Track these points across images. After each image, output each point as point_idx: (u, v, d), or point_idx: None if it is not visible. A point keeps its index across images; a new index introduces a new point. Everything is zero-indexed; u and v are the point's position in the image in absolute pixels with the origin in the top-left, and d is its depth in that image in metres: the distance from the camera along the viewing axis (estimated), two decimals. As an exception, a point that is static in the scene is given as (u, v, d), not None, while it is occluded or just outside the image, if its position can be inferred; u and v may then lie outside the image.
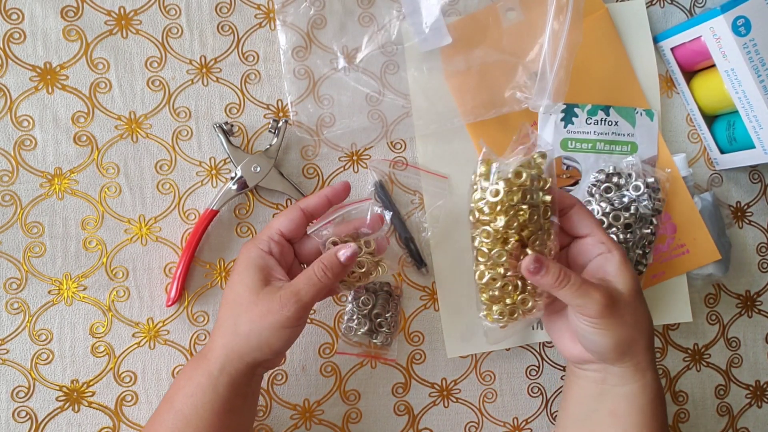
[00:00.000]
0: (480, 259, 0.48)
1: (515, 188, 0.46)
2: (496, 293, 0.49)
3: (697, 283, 0.67)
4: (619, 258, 0.48)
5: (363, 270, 0.51)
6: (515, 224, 0.47)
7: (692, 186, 0.65)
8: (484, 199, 0.47)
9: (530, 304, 0.49)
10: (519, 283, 0.49)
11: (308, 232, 0.52)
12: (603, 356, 0.48)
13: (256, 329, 0.47)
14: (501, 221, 0.46)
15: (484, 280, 0.48)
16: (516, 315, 0.49)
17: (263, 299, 0.47)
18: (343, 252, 0.49)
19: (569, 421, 0.53)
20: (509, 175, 0.46)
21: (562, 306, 0.50)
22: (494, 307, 0.49)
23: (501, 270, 0.48)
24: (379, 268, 0.52)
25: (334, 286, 0.51)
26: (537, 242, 0.47)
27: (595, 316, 0.46)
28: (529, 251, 0.47)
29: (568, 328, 0.51)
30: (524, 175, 0.46)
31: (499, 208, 0.46)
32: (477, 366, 0.64)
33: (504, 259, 0.47)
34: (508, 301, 0.49)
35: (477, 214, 0.48)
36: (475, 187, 0.48)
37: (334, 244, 0.51)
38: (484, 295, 0.49)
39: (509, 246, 0.47)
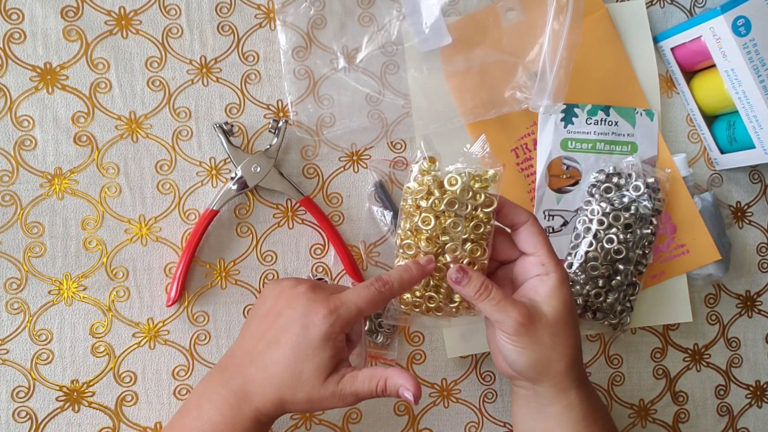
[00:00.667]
0: (400, 249, 0.50)
1: (445, 195, 0.48)
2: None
3: (697, 283, 0.67)
4: (554, 281, 0.49)
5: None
6: (433, 228, 0.49)
7: (692, 186, 0.65)
8: (414, 192, 0.49)
9: (435, 304, 0.51)
10: (431, 281, 0.51)
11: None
12: (521, 374, 0.50)
13: (310, 404, 0.47)
14: (419, 219, 0.49)
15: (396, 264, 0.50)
16: (420, 310, 0.51)
17: (329, 389, 0.46)
18: (409, 391, 0.47)
19: None
20: (443, 179, 0.49)
21: None
22: (404, 296, 0.51)
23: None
24: None
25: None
26: (456, 252, 0.49)
27: (510, 333, 0.47)
28: (447, 257, 0.49)
29: (495, 341, 0.51)
30: (458, 183, 0.48)
31: (424, 204, 0.49)
32: (477, 366, 0.64)
33: (411, 252, 0.49)
34: (417, 293, 0.51)
35: (407, 203, 0.50)
36: (412, 178, 0.50)
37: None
38: None
39: (428, 247, 0.49)
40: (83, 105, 0.61)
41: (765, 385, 0.69)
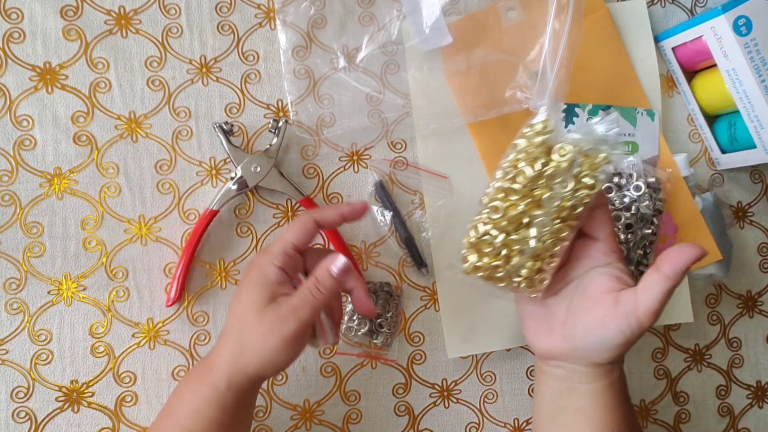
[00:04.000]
0: (492, 214, 0.47)
1: (549, 165, 0.44)
2: (484, 248, 0.48)
3: (698, 283, 0.66)
4: (626, 268, 0.48)
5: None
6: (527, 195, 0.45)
7: (693, 186, 0.65)
8: (520, 151, 0.45)
9: (502, 273, 0.48)
10: (506, 251, 0.47)
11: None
12: (593, 350, 0.48)
13: (259, 348, 0.47)
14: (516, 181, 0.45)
15: (480, 231, 0.47)
16: (483, 275, 0.48)
17: (267, 317, 0.47)
18: (335, 266, 0.48)
19: (540, 420, 0.53)
20: (555, 146, 0.44)
21: (550, 293, 0.50)
22: (470, 257, 0.48)
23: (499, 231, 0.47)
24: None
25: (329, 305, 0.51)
26: (545, 228, 0.45)
27: (644, 311, 0.45)
28: (533, 231, 0.46)
29: (546, 319, 0.50)
30: (566, 155, 0.44)
31: (525, 168, 0.45)
32: (477, 366, 0.64)
33: (497, 216, 0.46)
34: (486, 259, 0.48)
35: (507, 160, 0.46)
36: (521, 136, 0.46)
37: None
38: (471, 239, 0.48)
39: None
40: (83, 105, 0.60)
41: (766, 386, 0.68)
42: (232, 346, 0.48)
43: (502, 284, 0.49)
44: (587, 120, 0.64)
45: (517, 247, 0.47)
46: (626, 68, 0.65)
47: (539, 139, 0.45)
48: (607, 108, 0.64)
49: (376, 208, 0.63)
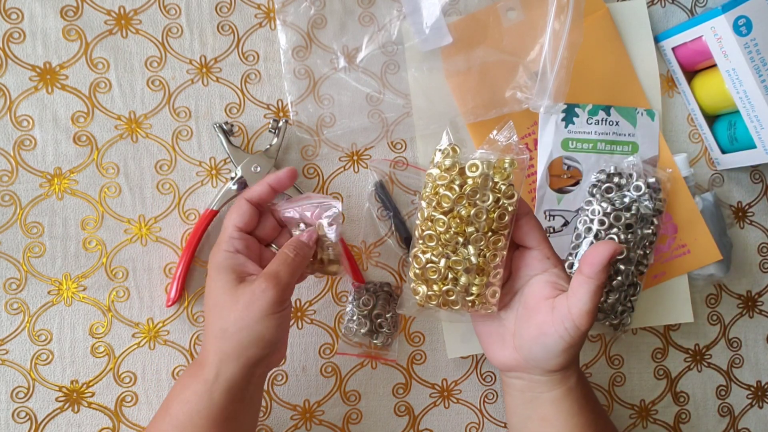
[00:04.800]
0: (428, 242, 0.49)
1: (467, 184, 0.47)
2: (429, 275, 0.50)
3: (698, 283, 0.66)
4: (562, 272, 0.50)
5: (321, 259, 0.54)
6: (453, 217, 0.48)
7: (693, 186, 0.65)
8: (436, 178, 0.48)
9: (453, 297, 0.49)
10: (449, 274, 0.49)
11: (272, 207, 0.54)
12: (542, 361, 0.49)
13: (243, 325, 0.47)
14: (438, 208, 0.48)
15: (423, 259, 0.49)
16: (436, 303, 0.50)
17: (242, 294, 0.47)
18: (306, 235, 0.52)
19: (511, 430, 0.54)
20: (465, 166, 0.48)
21: (501, 306, 0.51)
22: (420, 288, 0.50)
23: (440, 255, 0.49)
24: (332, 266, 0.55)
25: (304, 270, 0.53)
26: (480, 243, 0.48)
27: (576, 318, 0.46)
28: (470, 249, 0.48)
29: (498, 332, 0.52)
30: (478, 170, 0.47)
31: (445, 192, 0.48)
32: (478, 366, 0.64)
33: (433, 243, 0.48)
34: (435, 287, 0.50)
35: (427, 190, 0.49)
36: (434, 164, 0.49)
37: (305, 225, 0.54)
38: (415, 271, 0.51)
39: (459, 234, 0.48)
40: (83, 105, 0.60)
41: (766, 386, 0.68)
42: (216, 336, 0.48)
43: (457, 307, 0.50)
44: (587, 120, 0.64)
45: (460, 267, 0.49)
46: (626, 68, 0.65)
47: (449, 161, 0.48)
48: (607, 108, 0.64)
49: (376, 208, 0.63)
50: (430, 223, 0.49)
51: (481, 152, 0.48)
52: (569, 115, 0.64)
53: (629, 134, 0.64)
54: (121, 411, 0.60)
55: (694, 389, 0.67)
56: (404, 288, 0.52)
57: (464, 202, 0.48)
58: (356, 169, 0.64)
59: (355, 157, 0.64)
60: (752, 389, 0.68)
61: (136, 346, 0.60)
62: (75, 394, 0.60)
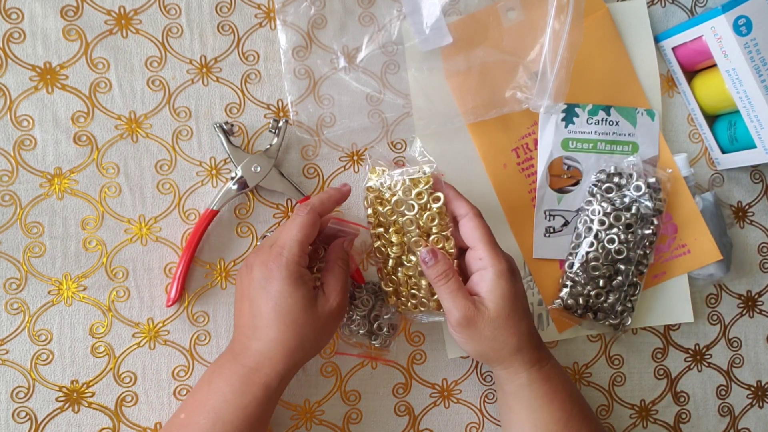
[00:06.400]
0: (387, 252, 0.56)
1: (392, 198, 0.53)
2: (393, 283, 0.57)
3: (698, 283, 0.66)
4: (492, 275, 0.51)
5: None
6: (391, 228, 0.54)
7: (693, 186, 0.65)
8: (369, 200, 0.55)
9: (418, 300, 0.56)
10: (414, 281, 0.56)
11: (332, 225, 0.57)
12: (474, 358, 0.56)
13: (319, 340, 0.51)
14: (376, 224, 0.55)
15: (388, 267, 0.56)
16: (407, 308, 0.57)
17: (322, 313, 0.51)
18: (346, 243, 0.56)
19: (502, 417, 0.59)
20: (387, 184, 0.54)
21: None
22: (391, 299, 0.58)
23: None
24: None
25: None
26: (420, 246, 0.53)
27: (452, 325, 0.52)
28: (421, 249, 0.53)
29: None
30: (397, 186, 0.53)
31: (380, 209, 0.54)
32: (477, 366, 0.64)
33: (381, 257, 0.56)
34: (403, 293, 0.57)
35: (368, 212, 0.55)
36: (365, 188, 0.55)
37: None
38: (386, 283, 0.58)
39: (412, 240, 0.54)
40: (83, 105, 0.60)
41: (766, 386, 0.68)
42: (284, 342, 0.49)
43: (424, 308, 0.56)
44: (587, 120, 0.64)
45: (411, 273, 0.55)
46: (626, 68, 0.65)
47: (370, 184, 0.54)
48: (607, 108, 0.64)
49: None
50: (379, 241, 0.55)
51: (396, 172, 0.53)
52: (569, 115, 0.64)
53: (629, 134, 0.64)
54: (121, 411, 0.60)
55: (695, 389, 0.67)
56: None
57: (394, 217, 0.53)
58: (356, 169, 0.64)
59: (355, 157, 0.64)
60: (752, 389, 0.68)
61: (136, 346, 0.60)
62: (75, 394, 0.60)
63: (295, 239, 0.50)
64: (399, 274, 0.56)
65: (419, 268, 0.54)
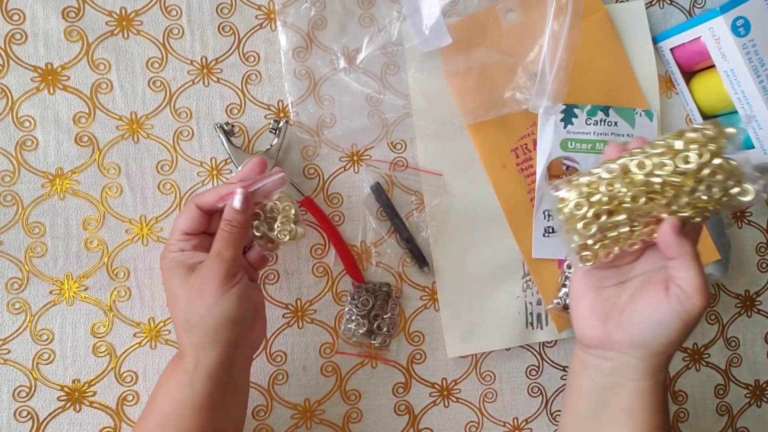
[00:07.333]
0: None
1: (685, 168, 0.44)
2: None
3: (696, 283, 0.67)
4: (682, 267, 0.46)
5: (265, 219, 0.52)
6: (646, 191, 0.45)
7: (692, 186, 0.65)
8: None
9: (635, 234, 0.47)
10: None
11: (219, 205, 0.51)
12: (646, 340, 0.46)
13: (204, 311, 0.48)
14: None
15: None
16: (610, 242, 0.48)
17: (194, 281, 0.48)
18: (235, 200, 0.50)
19: (574, 415, 0.50)
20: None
21: (608, 276, 0.49)
22: (572, 199, 0.47)
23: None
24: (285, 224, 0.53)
25: (248, 239, 0.52)
26: (674, 207, 0.45)
27: (690, 293, 0.44)
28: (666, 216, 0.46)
29: (604, 306, 0.49)
30: (693, 158, 0.43)
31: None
32: (477, 366, 0.64)
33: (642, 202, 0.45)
34: (584, 209, 0.47)
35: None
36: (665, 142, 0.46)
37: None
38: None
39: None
40: (84, 105, 0.61)
41: (764, 385, 0.69)
42: (184, 328, 0.49)
43: (578, 238, 0.48)
44: (586, 121, 0.64)
45: (619, 213, 0.46)
46: (625, 69, 0.66)
47: (710, 133, 0.44)
48: (605, 108, 0.64)
49: (374, 209, 0.63)
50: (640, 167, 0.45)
51: (740, 156, 0.44)
52: (568, 115, 0.64)
53: (628, 134, 0.65)
54: (122, 410, 0.60)
55: (693, 388, 0.67)
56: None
57: (678, 178, 0.44)
58: (356, 170, 0.64)
59: (355, 158, 0.64)
60: (750, 388, 0.68)
61: (137, 345, 0.61)
62: (76, 394, 0.60)
63: (171, 230, 0.52)
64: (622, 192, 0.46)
65: (639, 209, 0.46)
